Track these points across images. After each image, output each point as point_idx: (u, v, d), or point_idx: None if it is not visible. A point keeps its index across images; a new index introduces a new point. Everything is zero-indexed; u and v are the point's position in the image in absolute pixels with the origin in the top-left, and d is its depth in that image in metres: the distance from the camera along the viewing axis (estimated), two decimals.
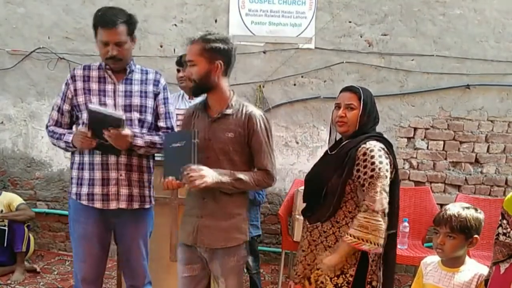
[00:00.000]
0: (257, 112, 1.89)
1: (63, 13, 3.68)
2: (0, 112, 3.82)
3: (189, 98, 3.10)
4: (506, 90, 3.60)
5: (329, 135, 2.08)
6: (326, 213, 1.87)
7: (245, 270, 3.23)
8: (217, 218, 1.88)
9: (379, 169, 1.77)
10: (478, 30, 3.55)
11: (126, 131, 1.94)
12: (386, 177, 1.79)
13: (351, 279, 1.84)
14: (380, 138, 1.90)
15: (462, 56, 3.57)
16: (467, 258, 1.86)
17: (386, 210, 1.77)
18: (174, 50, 3.65)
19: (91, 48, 3.62)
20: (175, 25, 3.66)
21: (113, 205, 2.07)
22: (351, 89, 1.95)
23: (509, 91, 3.61)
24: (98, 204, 2.06)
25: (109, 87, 2.11)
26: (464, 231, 1.78)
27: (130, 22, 2.05)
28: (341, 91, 1.99)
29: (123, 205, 2.09)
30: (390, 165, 1.84)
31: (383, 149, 1.84)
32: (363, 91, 1.92)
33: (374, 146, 1.83)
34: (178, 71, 3.02)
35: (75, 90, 2.09)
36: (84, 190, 2.07)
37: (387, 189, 1.79)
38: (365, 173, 1.79)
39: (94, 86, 2.09)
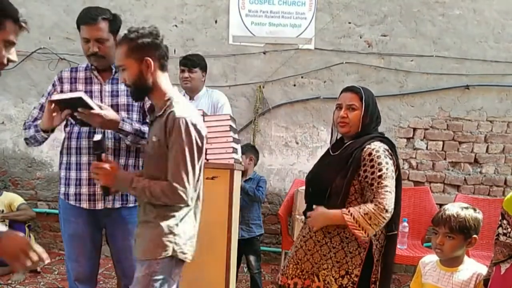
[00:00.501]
0: (179, 114, 1.63)
1: (63, 14, 3.69)
2: (1, 112, 3.83)
3: (190, 99, 3.10)
4: (505, 90, 3.61)
5: (331, 136, 2.08)
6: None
7: (246, 270, 3.25)
8: (144, 228, 1.73)
9: (387, 169, 1.78)
10: (477, 31, 3.56)
11: (98, 110, 1.87)
12: (393, 177, 1.81)
13: (356, 279, 1.84)
14: (383, 138, 1.90)
15: (462, 57, 3.59)
16: (465, 257, 1.87)
17: (392, 211, 1.78)
18: (175, 51, 3.66)
19: None
20: (176, 25, 3.67)
21: (99, 205, 2.07)
22: (353, 90, 1.93)
23: (508, 91, 3.62)
24: (85, 204, 2.07)
25: (96, 87, 2.11)
26: (463, 231, 1.78)
27: (113, 20, 2.06)
28: (342, 92, 1.99)
29: (109, 205, 2.09)
30: (394, 166, 1.84)
31: (387, 150, 1.85)
32: (364, 92, 1.92)
33: (379, 147, 1.83)
34: (183, 71, 2.99)
35: (62, 92, 2.10)
36: (72, 190, 2.07)
37: (394, 189, 1.81)
38: (372, 173, 1.79)
39: (81, 87, 2.10)
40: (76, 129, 2.03)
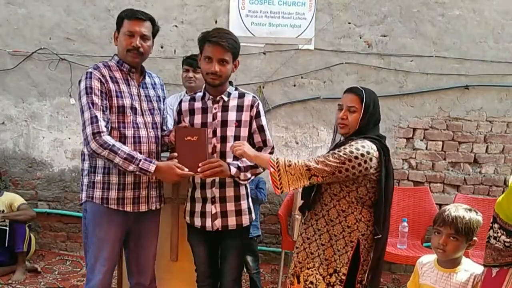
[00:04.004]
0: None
1: (64, 14, 3.69)
2: (1, 113, 3.84)
3: None
4: (505, 90, 3.61)
5: (334, 135, 2.09)
6: (315, 198, 1.95)
7: (245, 270, 3.25)
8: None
9: (345, 153, 1.79)
10: (477, 31, 3.57)
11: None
12: (350, 161, 1.78)
13: (343, 277, 1.87)
14: (375, 140, 1.89)
15: (461, 57, 3.58)
16: (463, 258, 1.88)
17: (314, 178, 1.80)
18: (175, 51, 3.67)
19: (92, 49, 3.64)
20: (176, 26, 3.67)
21: (143, 208, 2.10)
22: (355, 91, 1.94)
23: (508, 91, 3.62)
24: (128, 208, 2.07)
25: (134, 90, 2.11)
26: (468, 233, 1.80)
27: (155, 24, 2.11)
28: (344, 92, 1.99)
29: (153, 206, 2.14)
30: (379, 165, 1.84)
31: (374, 150, 1.83)
32: (366, 94, 1.91)
33: (364, 143, 1.83)
34: (187, 71, 2.99)
35: (110, 91, 2.02)
36: (113, 194, 2.04)
37: (335, 171, 1.79)
38: (333, 149, 1.89)
39: (124, 88, 2.07)
40: (115, 133, 2.03)
